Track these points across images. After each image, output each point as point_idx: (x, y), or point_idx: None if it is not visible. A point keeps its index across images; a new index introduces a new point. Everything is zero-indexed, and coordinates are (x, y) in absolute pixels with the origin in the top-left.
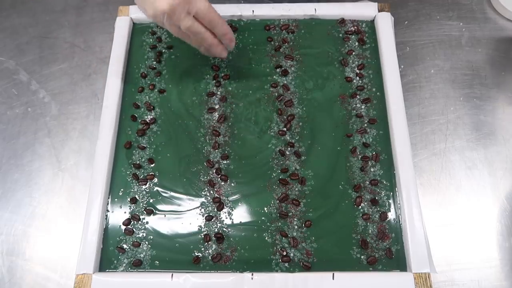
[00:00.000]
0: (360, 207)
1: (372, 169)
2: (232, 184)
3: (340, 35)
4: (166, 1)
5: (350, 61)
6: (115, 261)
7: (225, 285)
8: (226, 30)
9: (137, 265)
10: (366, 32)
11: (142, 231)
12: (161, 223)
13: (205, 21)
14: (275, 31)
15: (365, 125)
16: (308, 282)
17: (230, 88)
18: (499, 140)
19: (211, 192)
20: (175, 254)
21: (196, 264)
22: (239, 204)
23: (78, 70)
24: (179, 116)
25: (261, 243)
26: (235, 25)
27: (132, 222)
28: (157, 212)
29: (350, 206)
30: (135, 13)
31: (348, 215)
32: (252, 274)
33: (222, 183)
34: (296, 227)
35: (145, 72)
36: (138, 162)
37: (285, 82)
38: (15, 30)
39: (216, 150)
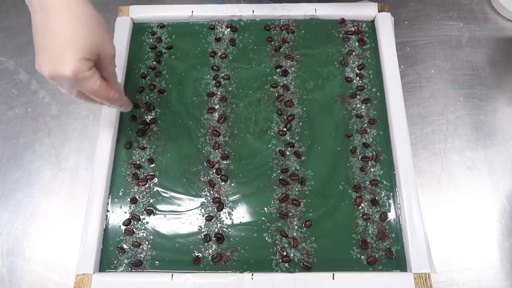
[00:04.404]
0: (360, 207)
1: (372, 169)
2: (232, 184)
3: (340, 35)
4: (70, 64)
5: (350, 61)
6: (115, 261)
7: (225, 285)
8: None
9: (137, 265)
10: (366, 32)
11: (142, 231)
12: (161, 223)
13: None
14: (275, 31)
15: (365, 125)
16: (308, 282)
17: (230, 88)
18: (499, 140)
19: (211, 192)
20: (175, 254)
21: (196, 264)
22: (239, 204)
23: None
24: (179, 116)
25: (261, 243)
26: (235, 25)
27: (132, 222)
28: (157, 212)
29: (350, 206)
30: (135, 13)
31: (348, 215)
32: (252, 274)
33: (222, 183)
34: (296, 227)
35: (145, 72)
36: (138, 162)
37: (285, 82)
38: (15, 30)
39: (216, 150)
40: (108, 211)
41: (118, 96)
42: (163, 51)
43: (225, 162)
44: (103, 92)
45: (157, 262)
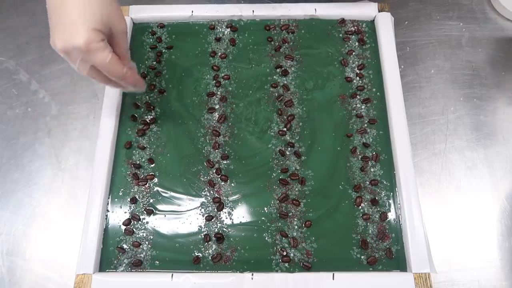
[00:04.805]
0: (360, 207)
1: (372, 169)
2: (232, 184)
3: (340, 35)
4: (82, 34)
5: (350, 61)
6: (115, 261)
7: (225, 285)
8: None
9: (137, 265)
10: (366, 32)
11: (142, 231)
12: (161, 223)
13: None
14: (275, 31)
15: (365, 125)
16: (308, 282)
17: (230, 88)
18: (499, 140)
19: (211, 192)
20: (175, 254)
21: (196, 264)
22: (239, 204)
23: None
24: (179, 116)
25: (261, 243)
26: (235, 25)
27: (132, 222)
28: (157, 212)
29: (350, 206)
30: (135, 13)
31: (348, 215)
32: (252, 274)
33: (222, 183)
34: (296, 227)
35: (145, 72)
36: (138, 162)
37: (285, 82)
38: (15, 30)
39: (216, 150)
40: (108, 211)
41: (132, 74)
42: (163, 51)
43: (225, 162)
44: (115, 67)
45: (157, 262)
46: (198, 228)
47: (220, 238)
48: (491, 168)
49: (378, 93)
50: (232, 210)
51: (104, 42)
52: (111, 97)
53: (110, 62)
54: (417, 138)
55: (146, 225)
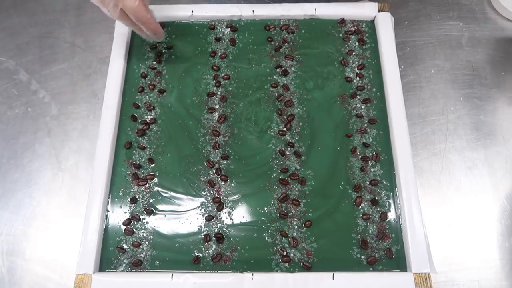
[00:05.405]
0: (360, 207)
1: (372, 169)
2: (232, 184)
3: (340, 35)
4: None
5: (350, 61)
6: (115, 261)
7: (225, 285)
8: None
9: (137, 265)
10: (366, 32)
11: (142, 231)
12: (161, 223)
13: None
14: (275, 31)
15: (365, 125)
16: (308, 282)
17: (230, 88)
18: (499, 140)
19: (211, 192)
20: (175, 254)
21: (196, 264)
22: (239, 204)
23: (78, 70)
24: (179, 116)
25: (261, 243)
26: (235, 25)
27: (132, 222)
28: (157, 212)
29: (350, 206)
30: None
31: (348, 215)
32: (252, 274)
33: (222, 183)
34: (296, 227)
35: (145, 72)
36: (138, 162)
37: (285, 82)
38: (15, 30)
39: (216, 150)
40: (108, 211)
41: (154, 21)
42: (163, 51)
43: (225, 162)
44: (141, 11)
45: (157, 262)
46: (198, 228)
47: (220, 238)
48: (491, 168)
49: (378, 93)
50: (232, 210)
51: None
52: (111, 97)
53: (137, 6)
54: (417, 138)
55: (146, 225)
